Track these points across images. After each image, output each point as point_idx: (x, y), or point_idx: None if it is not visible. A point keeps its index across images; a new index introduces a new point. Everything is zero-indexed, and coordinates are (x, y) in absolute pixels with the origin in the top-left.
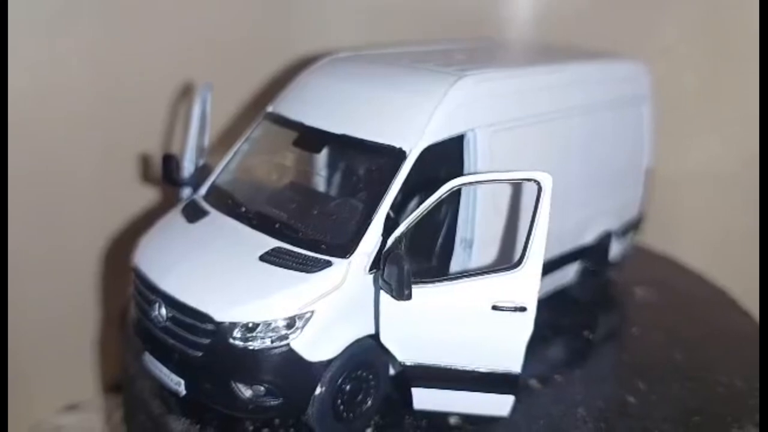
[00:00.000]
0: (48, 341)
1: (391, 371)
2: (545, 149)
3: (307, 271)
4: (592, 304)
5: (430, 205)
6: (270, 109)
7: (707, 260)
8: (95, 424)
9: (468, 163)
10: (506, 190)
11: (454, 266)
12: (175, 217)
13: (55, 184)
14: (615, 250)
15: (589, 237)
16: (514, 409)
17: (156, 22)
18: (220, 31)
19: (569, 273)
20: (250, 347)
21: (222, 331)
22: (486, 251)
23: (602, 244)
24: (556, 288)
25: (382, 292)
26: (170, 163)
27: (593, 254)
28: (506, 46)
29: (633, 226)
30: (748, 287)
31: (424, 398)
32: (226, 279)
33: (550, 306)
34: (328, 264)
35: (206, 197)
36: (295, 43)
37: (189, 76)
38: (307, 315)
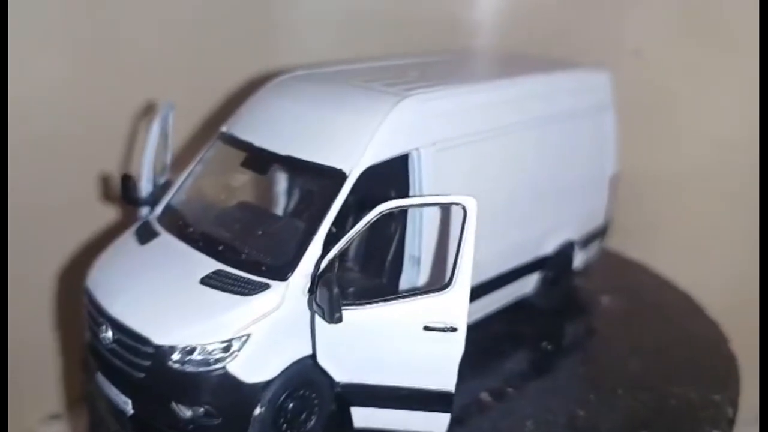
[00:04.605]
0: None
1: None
2: (496, 164)
3: (245, 294)
4: (555, 314)
5: (360, 230)
6: (224, 129)
7: (679, 265)
8: None
9: (413, 182)
10: (452, 208)
11: (404, 283)
12: (127, 239)
13: (20, 203)
14: (578, 259)
15: (548, 248)
16: (460, 423)
17: (119, 40)
18: (183, 49)
19: (529, 283)
20: (188, 370)
21: (161, 353)
22: (434, 268)
23: (564, 253)
24: (516, 298)
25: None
26: (128, 182)
27: (554, 264)
28: (467, 59)
29: (598, 235)
30: (718, 292)
31: (364, 417)
32: (167, 302)
33: (512, 316)
34: (266, 287)
35: (160, 218)
36: (264, 57)
37: (153, 95)
38: (243, 338)
